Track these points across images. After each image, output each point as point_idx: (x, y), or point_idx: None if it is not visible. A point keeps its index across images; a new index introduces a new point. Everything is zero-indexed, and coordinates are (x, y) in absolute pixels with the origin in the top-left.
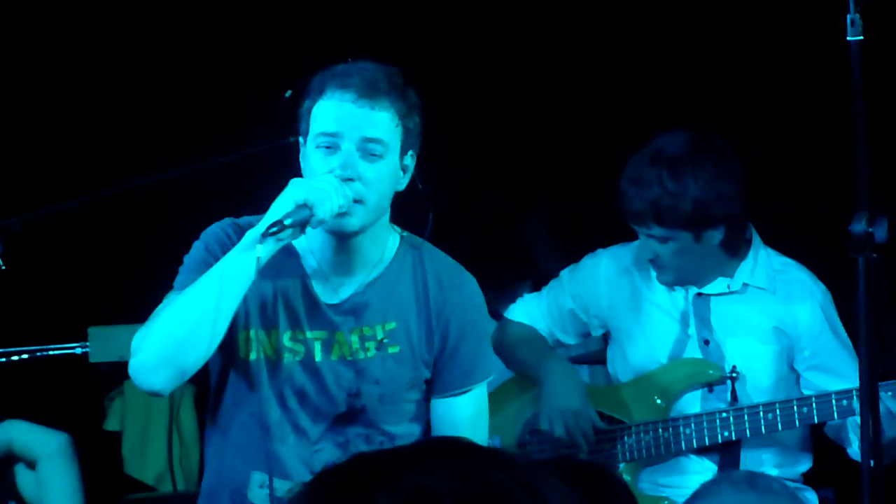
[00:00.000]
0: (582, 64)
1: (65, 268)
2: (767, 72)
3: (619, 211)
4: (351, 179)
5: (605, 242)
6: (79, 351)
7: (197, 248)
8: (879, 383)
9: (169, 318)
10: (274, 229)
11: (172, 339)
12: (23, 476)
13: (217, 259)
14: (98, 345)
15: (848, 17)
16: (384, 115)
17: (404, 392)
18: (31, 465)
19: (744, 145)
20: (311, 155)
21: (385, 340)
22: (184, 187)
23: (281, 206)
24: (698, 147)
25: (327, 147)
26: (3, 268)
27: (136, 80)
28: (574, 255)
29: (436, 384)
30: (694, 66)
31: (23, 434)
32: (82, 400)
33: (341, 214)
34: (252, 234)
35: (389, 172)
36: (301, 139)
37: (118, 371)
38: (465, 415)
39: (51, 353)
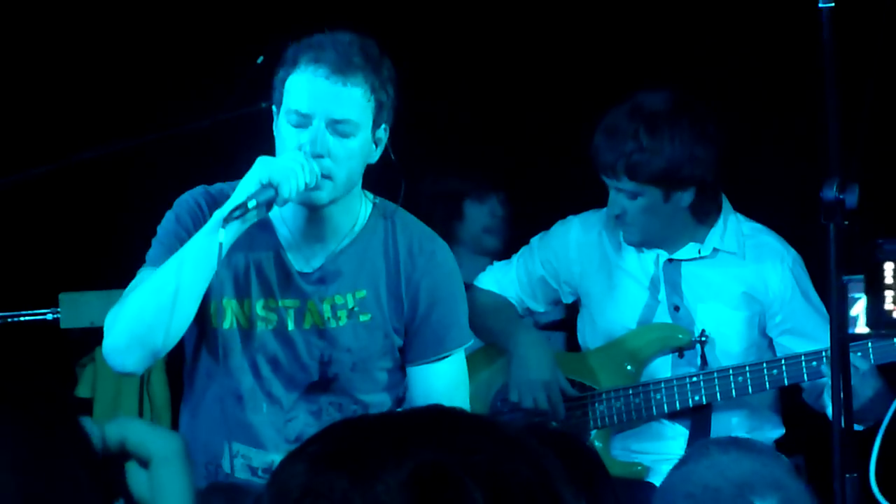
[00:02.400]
0: (538, 26)
1: (36, 234)
2: (739, 36)
3: (592, 162)
4: (320, 156)
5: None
6: (50, 317)
7: (168, 219)
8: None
9: (137, 301)
10: (237, 213)
11: (141, 321)
12: (134, 475)
13: (188, 231)
14: (69, 311)
15: None
16: (356, 91)
17: (376, 360)
18: (144, 464)
19: (715, 110)
20: (282, 128)
21: (356, 309)
22: (156, 153)
23: (246, 187)
24: (679, 106)
25: (298, 125)
26: None
27: (107, 46)
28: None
29: (409, 352)
30: (664, 30)
31: (138, 433)
32: (53, 366)
33: (310, 189)
34: (218, 215)
35: (360, 148)
36: (274, 108)
37: (89, 337)
38: (442, 383)
39: (22, 318)
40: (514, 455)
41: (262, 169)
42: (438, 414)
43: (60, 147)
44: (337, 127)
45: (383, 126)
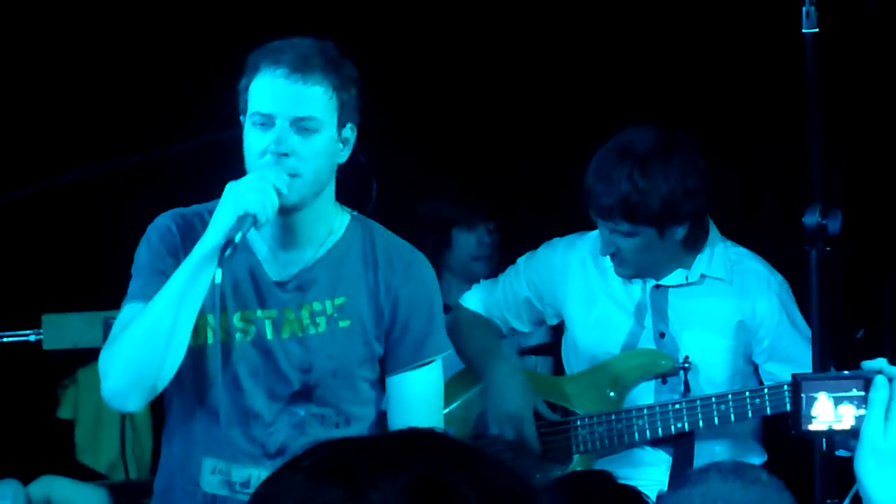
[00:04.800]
0: (519, 51)
1: (19, 255)
2: (721, 62)
3: (584, 205)
4: (285, 154)
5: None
6: (32, 338)
7: (141, 249)
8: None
9: (131, 342)
10: (228, 251)
11: (138, 362)
12: None
13: (162, 258)
14: (52, 332)
15: (803, 9)
16: (317, 90)
17: (356, 367)
18: None
19: (698, 137)
20: (248, 132)
21: (335, 315)
22: (139, 175)
23: (223, 220)
24: (667, 143)
25: (262, 125)
26: None
27: (93, 68)
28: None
29: (388, 361)
30: (644, 54)
31: (62, 489)
32: (35, 387)
33: (279, 192)
34: (200, 251)
35: (325, 146)
36: (241, 118)
37: (71, 359)
38: (418, 392)
39: (4, 339)
40: (501, 472)
41: (233, 201)
42: (428, 434)
43: (45, 168)
44: (300, 125)
45: (349, 125)
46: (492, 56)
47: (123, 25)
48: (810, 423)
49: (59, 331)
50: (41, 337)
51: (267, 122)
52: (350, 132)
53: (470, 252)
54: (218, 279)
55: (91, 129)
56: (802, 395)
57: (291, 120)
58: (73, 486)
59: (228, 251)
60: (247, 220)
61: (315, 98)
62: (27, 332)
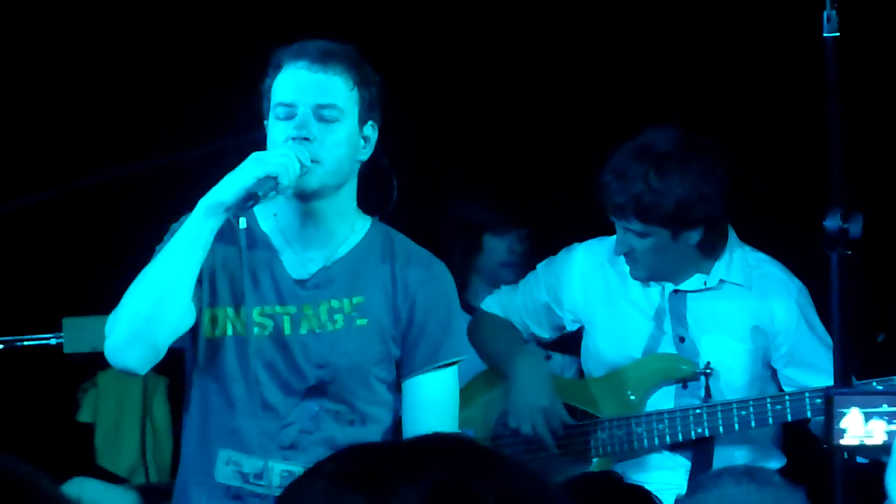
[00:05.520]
0: (540, 54)
1: (40, 258)
2: (742, 66)
3: (599, 201)
4: (306, 139)
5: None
6: (53, 342)
7: (167, 238)
8: (855, 381)
9: (135, 294)
10: (250, 202)
11: (141, 314)
12: None
13: None
14: (72, 335)
15: (824, 13)
16: (337, 80)
17: (372, 366)
18: None
19: (719, 140)
20: (271, 126)
21: (353, 313)
22: (161, 178)
23: (241, 178)
24: (687, 146)
25: (285, 116)
26: None
27: (113, 70)
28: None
29: (404, 364)
30: (664, 57)
31: (94, 492)
32: (55, 391)
33: (301, 175)
34: (204, 203)
35: (347, 136)
36: (265, 121)
37: (92, 362)
38: (434, 396)
39: (25, 343)
40: (527, 478)
41: (257, 166)
42: (451, 439)
43: (66, 171)
44: (322, 112)
45: (370, 123)
46: (537, 65)
47: (144, 28)
48: (842, 437)
49: (80, 334)
50: (62, 340)
51: (290, 111)
52: (371, 130)
53: (500, 258)
54: (243, 225)
55: (112, 133)
56: (834, 409)
57: (313, 107)
58: (104, 488)
59: (251, 203)
60: (268, 182)
61: (337, 87)
62: (48, 335)
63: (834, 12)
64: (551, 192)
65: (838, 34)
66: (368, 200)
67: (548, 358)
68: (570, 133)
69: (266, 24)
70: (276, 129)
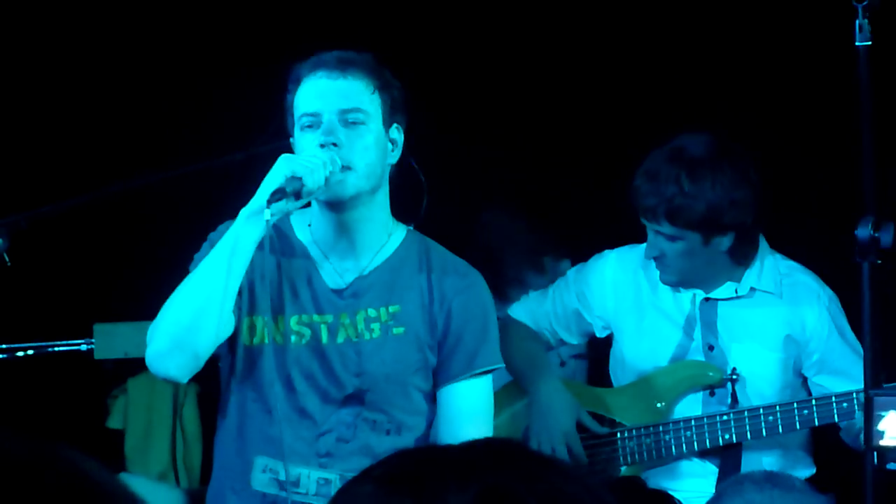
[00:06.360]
0: (574, 63)
1: (71, 264)
2: (774, 74)
3: (631, 204)
4: (335, 145)
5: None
6: (84, 348)
7: (205, 247)
8: (885, 386)
9: (177, 303)
10: (277, 196)
11: (182, 322)
12: None
13: None
14: (103, 342)
15: (856, 21)
16: (359, 84)
17: (410, 375)
18: None
19: (751, 147)
20: (298, 138)
21: (389, 322)
22: (191, 185)
23: (272, 181)
24: (720, 152)
25: (310, 126)
26: (10, 264)
27: (145, 76)
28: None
29: (440, 372)
30: (697, 66)
31: (140, 489)
32: (86, 397)
33: (334, 182)
34: (245, 212)
35: (374, 139)
36: (291, 138)
37: (122, 369)
38: (468, 405)
39: (56, 349)
40: (573, 483)
41: (285, 164)
42: (499, 444)
43: (97, 177)
44: (347, 117)
45: (395, 126)
46: (566, 74)
47: (174, 35)
48: (881, 438)
49: (111, 340)
50: (92, 346)
51: (315, 120)
52: (397, 133)
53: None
54: (267, 216)
55: (143, 139)
56: (874, 411)
57: (338, 113)
58: (151, 485)
59: (277, 195)
60: (294, 183)
61: (359, 91)
62: (78, 341)
63: (866, 21)
64: (586, 203)
65: (870, 43)
66: (401, 206)
67: (562, 364)
68: (601, 143)
69: (292, 29)
70: (303, 141)
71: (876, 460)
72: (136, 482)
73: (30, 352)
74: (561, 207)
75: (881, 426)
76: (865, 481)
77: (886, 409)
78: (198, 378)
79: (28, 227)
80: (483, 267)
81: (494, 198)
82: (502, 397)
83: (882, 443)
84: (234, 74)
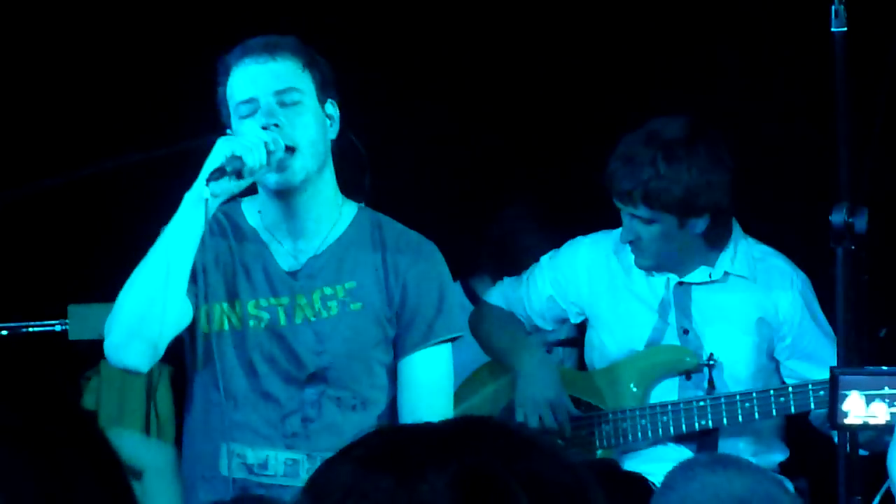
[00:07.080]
0: (562, 52)
1: (46, 245)
2: (749, 60)
3: (606, 188)
4: (276, 125)
5: (589, 228)
6: (58, 328)
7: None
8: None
9: (129, 292)
10: (216, 174)
11: (135, 312)
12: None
13: None
14: (77, 322)
15: (832, 7)
16: (288, 64)
17: (370, 349)
18: (136, 475)
19: (726, 132)
20: (237, 128)
21: (346, 299)
22: (167, 167)
23: (212, 162)
24: (695, 134)
25: (248, 114)
26: None
27: (115, 59)
28: (557, 243)
29: (399, 344)
30: (673, 53)
31: (131, 444)
32: (59, 378)
33: (281, 169)
34: (188, 196)
35: (313, 116)
36: (228, 129)
37: (95, 350)
38: (427, 375)
39: (30, 329)
40: (553, 463)
41: (225, 145)
42: (480, 422)
43: (71, 159)
44: (283, 98)
45: (329, 101)
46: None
47: (144, 18)
48: (845, 417)
49: (85, 321)
50: (67, 327)
51: (252, 107)
52: (333, 108)
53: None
54: (206, 195)
55: (117, 121)
56: (838, 391)
57: (273, 94)
58: (143, 440)
59: (217, 174)
60: (234, 162)
61: (289, 71)
62: (53, 322)
63: (842, 7)
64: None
65: (846, 29)
66: (347, 184)
67: (549, 351)
68: (576, 129)
69: (263, 13)
70: (243, 129)
71: (848, 446)
72: (126, 436)
73: (3, 332)
74: (577, 205)
75: (845, 406)
76: (838, 466)
77: (850, 388)
78: (171, 360)
79: (2, 207)
80: (496, 260)
81: (512, 193)
82: (480, 378)
83: (846, 422)
84: (210, 54)
